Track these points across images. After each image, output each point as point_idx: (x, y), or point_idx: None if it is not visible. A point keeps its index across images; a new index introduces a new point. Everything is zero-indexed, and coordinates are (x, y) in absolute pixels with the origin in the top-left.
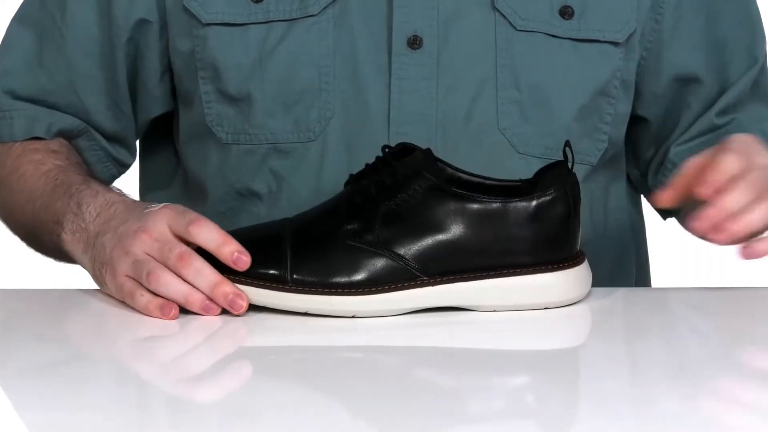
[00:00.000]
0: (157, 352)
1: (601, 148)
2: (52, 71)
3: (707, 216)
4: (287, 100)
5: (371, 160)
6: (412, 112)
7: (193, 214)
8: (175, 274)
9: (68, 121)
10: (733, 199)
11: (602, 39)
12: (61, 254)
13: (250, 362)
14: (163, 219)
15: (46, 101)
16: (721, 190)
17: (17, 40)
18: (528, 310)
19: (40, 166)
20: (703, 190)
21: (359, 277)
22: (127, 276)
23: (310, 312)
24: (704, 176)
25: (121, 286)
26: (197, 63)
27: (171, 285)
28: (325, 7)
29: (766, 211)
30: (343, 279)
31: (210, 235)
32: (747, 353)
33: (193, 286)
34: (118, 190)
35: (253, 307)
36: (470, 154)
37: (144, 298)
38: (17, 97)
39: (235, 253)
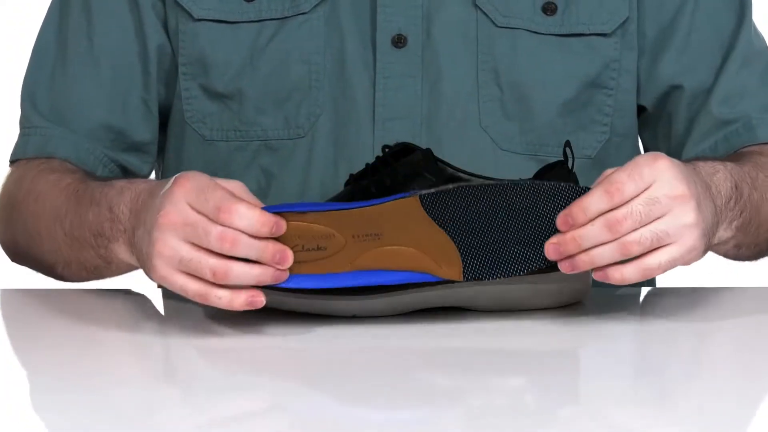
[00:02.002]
0: (154, 351)
1: (601, 140)
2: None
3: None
4: (278, 97)
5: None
6: (396, 109)
7: (216, 195)
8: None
9: (84, 146)
10: (585, 235)
11: (587, 32)
12: (110, 268)
13: (249, 362)
14: (181, 199)
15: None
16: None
17: (44, 56)
18: (528, 310)
19: (57, 183)
20: (560, 221)
21: None
22: (184, 275)
23: (310, 312)
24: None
25: (184, 289)
26: (180, 59)
27: (242, 275)
28: (315, 5)
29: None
30: None
31: (243, 220)
32: (748, 353)
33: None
34: (144, 180)
35: None
36: (454, 152)
37: (225, 299)
38: (43, 114)
39: (274, 227)
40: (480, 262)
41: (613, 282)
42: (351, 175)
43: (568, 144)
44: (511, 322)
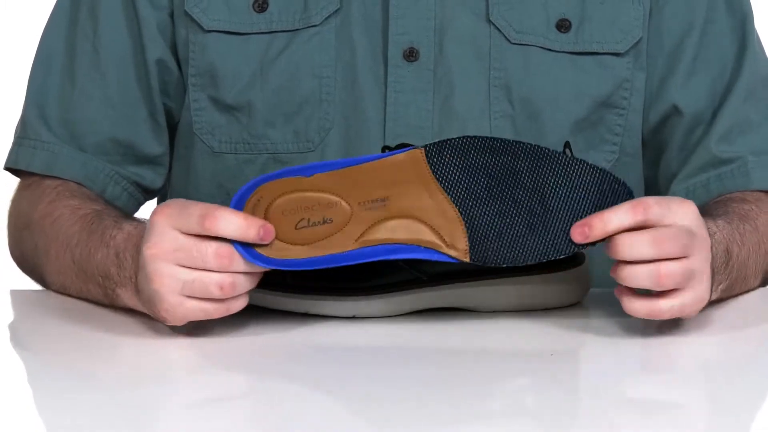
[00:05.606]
0: (156, 352)
1: (610, 160)
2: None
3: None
4: (288, 110)
5: None
6: (407, 124)
7: (196, 208)
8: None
9: (92, 165)
10: (630, 243)
11: (601, 51)
12: (113, 305)
13: (249, 363)
14: (165, 224)
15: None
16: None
17: (52, 64)
18: (528, 310)
19: (77, 210)
20: (576, 231)
21: (359, 278)
22: (193, 299)
23: (310, 312)
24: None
25: (202, 310)
26: (190, 69)
27: (247, 282)
28: (327, 18)
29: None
30: (344, 280)
31: (230, 225)
32: (748, 353)
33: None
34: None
35: (254, 308)
36: None
37: (242, 302)
38: (53, 129)
39: (261, 231)
40: (487, 242)
41: (620, 300)
42: None
43: (567, 144)
44: (511, 322)
